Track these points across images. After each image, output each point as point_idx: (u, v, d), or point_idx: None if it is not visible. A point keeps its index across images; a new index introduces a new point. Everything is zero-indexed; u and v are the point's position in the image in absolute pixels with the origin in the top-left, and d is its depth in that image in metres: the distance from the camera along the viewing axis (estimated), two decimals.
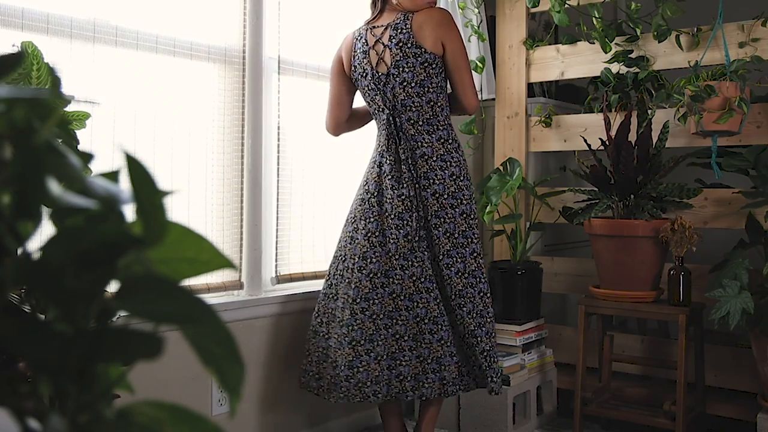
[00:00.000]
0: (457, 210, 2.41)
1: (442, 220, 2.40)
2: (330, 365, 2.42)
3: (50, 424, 0.48)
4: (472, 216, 2.45)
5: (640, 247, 2.75)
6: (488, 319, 2.42)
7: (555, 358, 3.25)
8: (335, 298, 2.48)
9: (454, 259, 2.40)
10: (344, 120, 2.66)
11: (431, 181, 2.41)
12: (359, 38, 2.52)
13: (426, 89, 2.42)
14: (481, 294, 2.42)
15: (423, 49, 2.39)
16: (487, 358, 2.40)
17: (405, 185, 2.42)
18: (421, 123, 2.44)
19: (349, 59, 2.55)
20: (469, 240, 2.43)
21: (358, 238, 2.46)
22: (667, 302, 2.77)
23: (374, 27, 2.50)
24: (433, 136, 2.44)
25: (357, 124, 2.72)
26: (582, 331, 2.89)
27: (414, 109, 2.43)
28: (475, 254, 2.43)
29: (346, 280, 2.45)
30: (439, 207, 2.40)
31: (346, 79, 2.59)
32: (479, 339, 2.39)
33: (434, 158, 2.42)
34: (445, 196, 2.41)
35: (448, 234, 2.40)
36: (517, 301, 3.07)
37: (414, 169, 2.43)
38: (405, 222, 2.40)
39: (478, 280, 2.42)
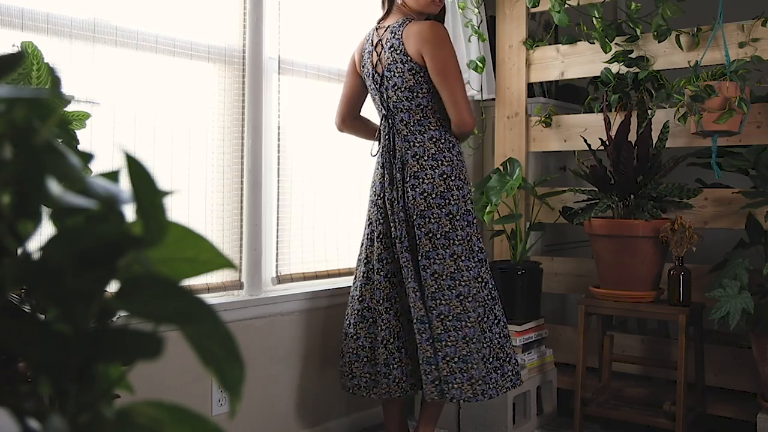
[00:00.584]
0: (443, 210, 2.40)
1: (427, 220, 2.40)
2: (367, 364, 2.49)
3: (50, 424, 0.48)
4: (458, 217, 2.41)
5: (640, 247, 2.75)
6: (466, 323, 2.37)
7: (555, 358, 3.24)
8: (361, 299, 2.53)
9: (432, 260, 2.39)
10: (348, 117, 2.68)
11: (420, 180, 2.41)
12: (368, 38, 2.56)
13: (415, 94, 2.43)
14: (461, 297, 2.38)
15: (409, 57, 2.41)
16: (449, 363, 2.36)
17: (395, 186, 2.45)
18: (412, 124, 2.45)
19: (360, 58, 2.60)
20: (451, 241, 2.40)
21: (374, 241, 2.53)
22: (667, 302, 2.76)
23: (379, 27, 2.54)
24: (425, 135, 2.44)
25: (362, 133, 2.72)
26: (582, 331, 2.89)
27: (405, 111, 2.46)
28: (455, 256, 2.39)
29: (372, 282, 2.51)
30: (426, 207, 2.40)
31: (357, 77, 2.63)
32: (444, 343, 2.36)
33: (426, 157, 2.43)
34: (434, 196, 2.40)
35: (430, 234, 2.39)
36: (517, 301, 3.07)
37: (404, 169, 2.45)
38: (396, 224, 2.45)
39: (457, 282, 2.38)
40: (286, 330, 2.74)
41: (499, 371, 2.43)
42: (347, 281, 3.02)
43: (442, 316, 2.37)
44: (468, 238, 2.43)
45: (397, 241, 2.43)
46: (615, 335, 3.11)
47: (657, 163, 2.81)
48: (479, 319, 2.41)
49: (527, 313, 3.08)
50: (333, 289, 2.92)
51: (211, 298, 2.52)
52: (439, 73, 2.38)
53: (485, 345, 2.41)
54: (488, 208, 3.04)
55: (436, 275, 2.38)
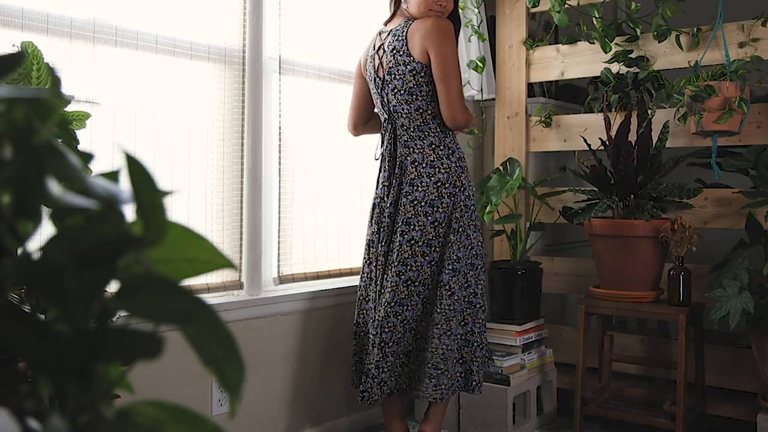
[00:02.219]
0: (429, 218, 2.40)
1: (411, 227, 2.40)
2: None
3: (50, 424, 0.48)
4: (443, 224, 2.41)
5: (640, 247, 2.75)
6: (420, 323, 2.43)
7: (555, 358, 3.24)
8: (366, 299, 2.54)
9: (409, 267, 2.40)
10: (360, 123, 2.70)
11: (415, 187, 2.41)
12: (371, 42, 2.58)
13: (414, 97, 2.43)
14: (424, 301, 2.44)
15: (412, 58, 2.41)
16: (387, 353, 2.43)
17: (392, 191, 2.46)
18: (412, 129, 2.46)
19: (364, 63, 2.60)
20: (432, 248, 2.40)
21: (373, 242, 2.54)
22: (667, 302, 2.76)
23: (382, 32, 2.56)
24: (425, 141, 2.45)
25: (378, 130, 2.71)
26: (582, 331, 2.89)
27: (405, 115, 2.46)
28: (432, 263, 2.41)
29: (385, 282, 2.47)
30: (413, 214, 2.40)
31: (364, 82, 2.64)
32: (394, 340, 2.42)
33: (424, 164, 2.43)
34: (422, 204, 2.40)
35: (411, 242, 2.40)
36: (517, 301, 3.07)
37: (402, 175, 2.45)
38: (380, 226, 2.48)
39: (425, 287, 2.42)
40: (286, 330, 2.74)
41: (432, 379, 2.36)
42: (348, 281, 3.03)
43: (405, 321, 2.40)
44: (449, 245, 2.41)
45: (378, 244, 2.47)
46: (615, 335, 3.11)
47: (657, 163, 2.81)
48: (436, 324, 2.39)
49: (527, 313, 3.08)
50: (333, 289, 2.92)
51: (211, 298, 2.52)
52: (441, 67, 2.37)
53: (431, 349, 2.38)
54: (488, 208, 3.04)
55: (409, 282, 2.40)
